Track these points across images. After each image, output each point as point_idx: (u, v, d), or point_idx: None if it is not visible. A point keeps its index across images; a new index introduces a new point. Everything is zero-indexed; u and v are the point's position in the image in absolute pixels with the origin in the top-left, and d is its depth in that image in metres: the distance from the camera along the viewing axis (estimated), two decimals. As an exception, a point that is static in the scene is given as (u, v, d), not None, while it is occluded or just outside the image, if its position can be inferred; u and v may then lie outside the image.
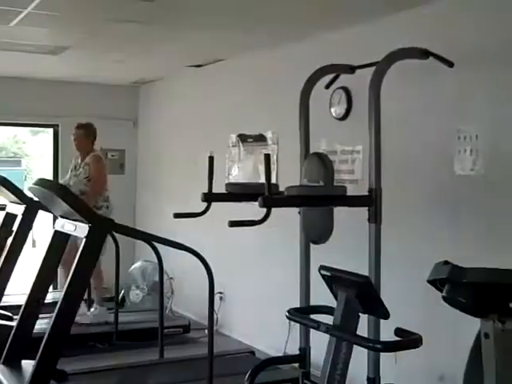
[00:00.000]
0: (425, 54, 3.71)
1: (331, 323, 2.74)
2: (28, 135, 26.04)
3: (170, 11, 4.65)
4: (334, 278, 2.67)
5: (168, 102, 7.80)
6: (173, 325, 5.99)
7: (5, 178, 5.63)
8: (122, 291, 6.72)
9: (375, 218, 3.50)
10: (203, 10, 4.60)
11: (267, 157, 3.22)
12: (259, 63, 6.07)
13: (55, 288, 7.12)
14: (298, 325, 4.11)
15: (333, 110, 5.02)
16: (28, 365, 4.01)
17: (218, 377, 3.93)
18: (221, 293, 6.09)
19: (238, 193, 4.20)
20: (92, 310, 6.05)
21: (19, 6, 4.61)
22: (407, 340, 2.57)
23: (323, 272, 2.70)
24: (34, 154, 26.15)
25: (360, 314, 2.72)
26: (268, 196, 3.16)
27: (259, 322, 5.94)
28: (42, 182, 4.29)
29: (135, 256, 7.73)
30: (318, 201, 3.46)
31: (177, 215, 4.09)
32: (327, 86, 4.49)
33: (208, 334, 3.93)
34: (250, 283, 6.10)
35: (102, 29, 5.23)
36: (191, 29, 5.19)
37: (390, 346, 2.62)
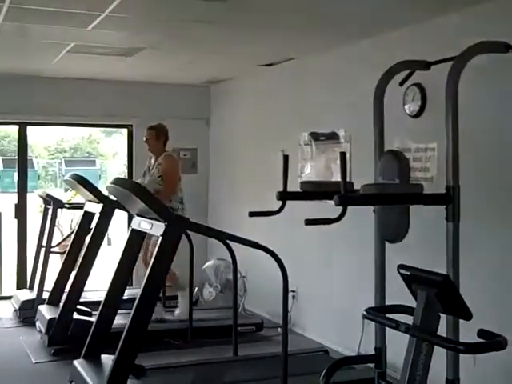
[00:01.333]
0: (506, 47, 3.59)
1: (409, 323, 2.69)
2: (101, 136, 26.72)
3: (242, 11, 4.68)
4: (414, 277, 2.62)
5: (240, 100, 7.84)
6: (246, 323, 6.03)
7: (82, 177, 5.78)
8: (196, 289, 6.80)
9: (453, 216, 3.42)
10: (275, 10, 4.61)
11: (343, 155, 3.19)
12: (331, 61, 6.03)
13: (131, 285, 7.26)
14: (371, 324, 4.06)
15: (406, 107, 4.95)
16: (107, 359, 4.11)
17: (292, 375, 3.92)
18: (293, 291, 6.07)
19: (313, 191, 4.18)
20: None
21: (97, 9, 4.72)
22: (491, 342, 2.49)
23: (402, 271, 2.66)
24: (107, 154, 26.82)
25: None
26: (344, 194, 3.13)
27: (332, 320, 5.91)
28: (119, 181, 4.38)
29: (208, 254, 7.81)
30: (395, 199, 3.41)
31: (252, 214, 4.11)
32: (402, 83, 4.42)
33: (282, 333, 3.92)
34: (322, 282, 6.07)
35: (175, 30, 5.31)
36: (263, 28, 5.21)
37: (473, 348, 2.55)
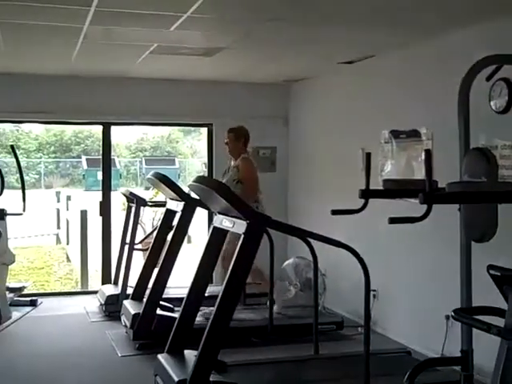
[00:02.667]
0: None
1: (500, 325, 2.61)
2: (180, 135, 27.18)
3: (321, 9, 4.65)
4: (505, 278, 2.54)
5: (319, 98, 7.81)
6: (326, 321, 6.01)
7: (165, 176, 5.89)
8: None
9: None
10: (353, 4, 4.57)
11: (428, 152, 3.13)
12: (411, 57, 5.93)
13: (212, 282, 7.35)
14: (455, 325, 3.97)
15: (493, 103, 4.81)
16: (190, 354, 4.18)
17: (374, 376, 3.88)
18: (374, 290, 6.00)
19: (396, 189, 4.12)
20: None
21: (179, 10, 4.80)
22: None
23: (492, 272, 2.59)
24: (186, 153, 27.27)
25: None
26: (429, 192, 3.07)
27: (414, 321, 5.81)
28: (201, 180, 4.44)
29: (287, 252, 7.82)
30: (483, 198, 3.31)
31: (334, 212, 4.07)
32: (488, 78, 4.29)
33: (364, 332, 3.88)
34: (403, 281, 5.98)
35: (255, 29, 5.33)
36: (342, 26, 5.17)
37: None
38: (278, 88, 8.40)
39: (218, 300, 3.85)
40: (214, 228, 4.41)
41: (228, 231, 4.35)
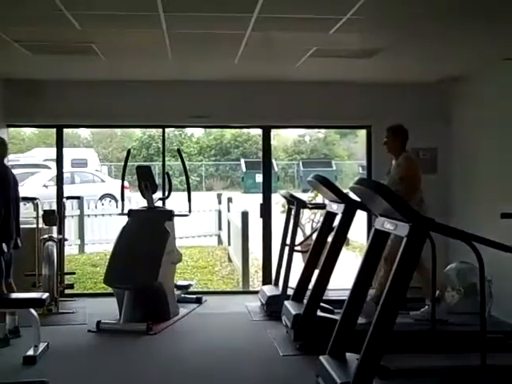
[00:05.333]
0: None
1: None
2: (337, 137, 27.19)
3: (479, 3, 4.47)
4: None
5: (483, 97, 7.48)
6: (493, 330, 5.73)
7: (325, 178, 5.93)
8: (437, 292, 6.61)
9: None
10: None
11: None
12: None
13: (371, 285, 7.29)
14: None
15: None
16: (352, 358, 4.17)
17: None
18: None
19: None
20: (423, 308, 6.07)
21: (339, 13, 4.81)
22: None
23: None
24: (342, 155, 27.22)
25: None
26: None
27: None
28: (363, 182, 4.42)
29: (449, 256, 7.56)
30: None
31: (504, 215, 3.90)
32: None
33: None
34: None
35: (412, 29, 5.24)
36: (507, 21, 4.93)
37: None
38: (439, 88, 8.14)
39: (381, 303, 3.81)
40: (376, 230, 4.37)
41: (390, 233, 4.29)
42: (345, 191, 5.87)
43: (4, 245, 5.87)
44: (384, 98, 8.06)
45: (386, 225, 4.16)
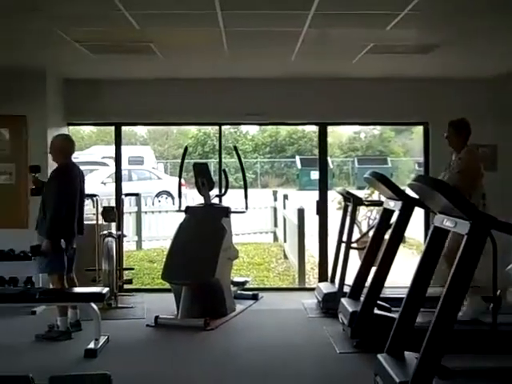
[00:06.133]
0: None
1: None
2: (392, 134, 26.86)
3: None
4: None
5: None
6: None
7: (382, 175, 5.88)
8: (499, 291, 6.48)
9: None
10: None
11: None
12: None
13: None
14: None
15: None
16: (411, 356, 4.12)
17: None
18: None
19: None
20: (463, 308, 5.97)
21: (397, 9, 4.77)
22: None
23: None
24: (398, 152, 26.88)
25: None
26: None
27: None
28: (421, 179, 4.37)
29: (510, 256, 7.39)
30: None
31: None
32: None
33: None
34: None
35: (470, 23, 5.16)
36: None
37: None
38: (497, 84, 7.93)
39: (440, 302, 3.76)
40: (435, 228, 4.31)
41: (449, 231, 4.23)
42: (401, 188, 5.81)
43: (63, 241, 6.01)
44: (441, 94, 7.93)
45: (446, 222, 4.10)
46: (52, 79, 7.62)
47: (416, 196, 4.92)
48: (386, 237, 5.95)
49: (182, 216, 7.38)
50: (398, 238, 5.66)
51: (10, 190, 7.46)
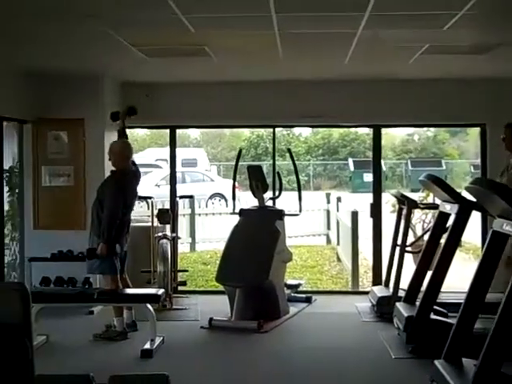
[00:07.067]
0: None
1: None
2: (446, 135, 26.44)
3: None
4: None
5: None
6: None
7: (438, 178, 5.82)
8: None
9: None
10: None
11: None
12: None
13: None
14: None
15: None
16: (469, 363, 4.05)
17: None
18: None
19: None
20: None
21: (454, 9, 4.68)
22: None
23: None
24: (453, 154, 26.44)
25: None
26: None
27: None
28: (479, 181, 4.29)
29: None
30: None
31: None
32: None
33: None
34: None
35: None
36: None
37: None
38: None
39: (501, 308, 3.68)
40: (494, 232, 4.22)
41: (509, 236, 4.13)
42: (457, 191, 5.71)
43: (117, 245, 6.08)
44: (499, 95, 7.75)
45: (505, 226, 4.01)
46: (109, 82, 7.76)
47: (473, 199, 4.84)
48: (442, 241, 5.87)
49: (235, 218, 7.41)
50: (455, 241, 5.57)
51: (68, 192, 7.62)
